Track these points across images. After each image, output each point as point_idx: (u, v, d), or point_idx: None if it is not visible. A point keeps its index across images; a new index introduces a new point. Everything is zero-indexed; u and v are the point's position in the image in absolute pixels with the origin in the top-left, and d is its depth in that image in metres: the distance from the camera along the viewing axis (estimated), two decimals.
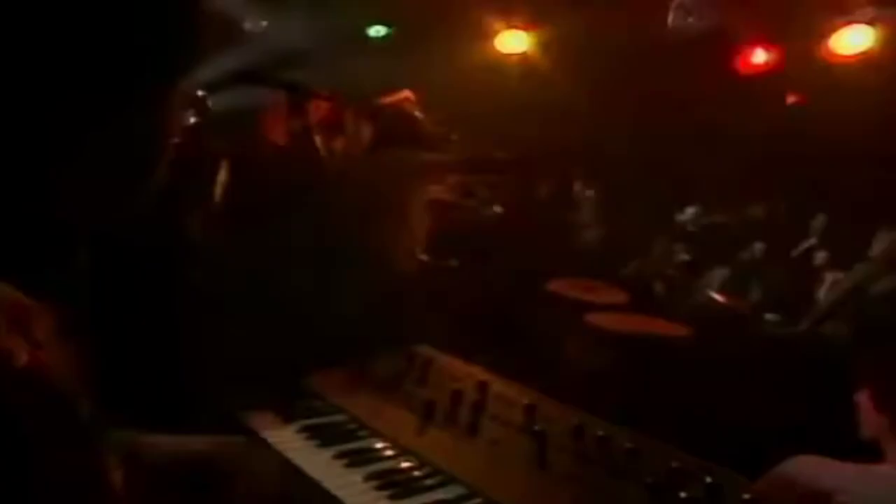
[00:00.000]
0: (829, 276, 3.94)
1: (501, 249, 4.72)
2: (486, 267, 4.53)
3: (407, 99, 5.21)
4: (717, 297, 3.79)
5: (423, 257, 4.60)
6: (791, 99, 6.67)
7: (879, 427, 1.93)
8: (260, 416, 1.66)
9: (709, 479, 1.30)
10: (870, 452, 1.95)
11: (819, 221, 4.81)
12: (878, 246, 3.62)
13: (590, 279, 4.44)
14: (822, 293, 3.85)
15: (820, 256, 4.55)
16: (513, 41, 6.60)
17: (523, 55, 6.70)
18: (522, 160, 4.97)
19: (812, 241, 4.76)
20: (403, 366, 1.87)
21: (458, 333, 4.19)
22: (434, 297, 4.33)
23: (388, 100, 5.19)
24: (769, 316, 3.90)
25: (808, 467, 1.82)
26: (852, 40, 5.54)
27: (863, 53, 5.63)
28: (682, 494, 1.27)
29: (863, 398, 2.00)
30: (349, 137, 4.21)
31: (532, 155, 5.33)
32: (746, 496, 1.26)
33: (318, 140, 2.16)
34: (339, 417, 1.67)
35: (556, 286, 4.16)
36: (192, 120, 2.80)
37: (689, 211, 5.02)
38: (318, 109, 2.59)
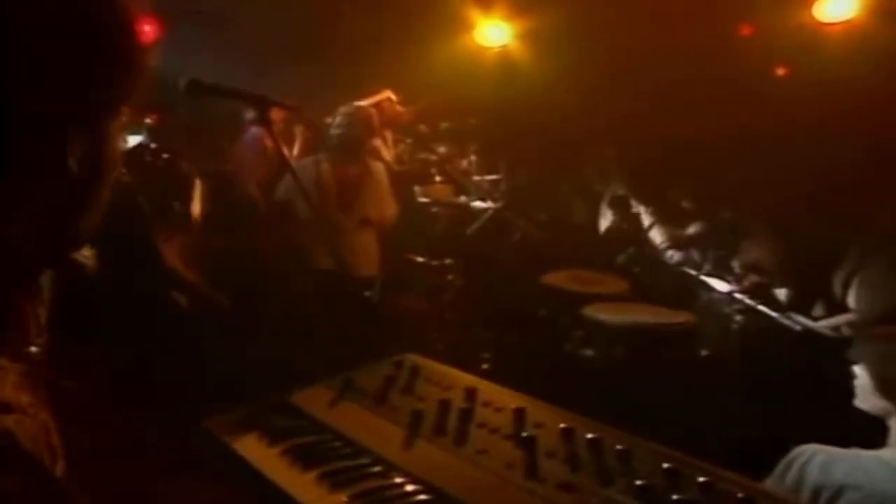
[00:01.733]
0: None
1: (497, 245, 4.69)
2: (480, 264, 4.50)
3: (388, 99, 5.20)
4: (717, 282, 3.73)
5: (418, 258, 4.59)
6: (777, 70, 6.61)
7: (880, 408, 1.90)
8: (244, 438, 1.62)
9: (701, 479, 1.26)
10: (871, 439, 1.92)
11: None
12: None
13: (587, 269, 4.40)
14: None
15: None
16: (492, 33, 6.51)
17: (504, 48, 6.62)
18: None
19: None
20: (389, 376, 1.83)
21: (455, 334, 4.18)
22: (429, 296, 4.31)
23: (370, 100, 5.18)
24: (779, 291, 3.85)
25: (816, 460, 1.78)
26: (836, 8, 5.47)
27: (847, 22, 5.57)
28: (675, 496, 1.23)
29: (862, 376, 1.97)
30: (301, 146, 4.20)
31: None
32: (741, 495, 1.21)
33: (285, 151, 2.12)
34: (324, 436, 1.63)
35: (551, 279, 4.12)
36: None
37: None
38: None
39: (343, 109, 4.20)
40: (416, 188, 5.38)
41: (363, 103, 5.05)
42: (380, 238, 4.25)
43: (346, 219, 4.16)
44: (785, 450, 1.90)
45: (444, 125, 5.37)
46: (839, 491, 1.70)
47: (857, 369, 1.99)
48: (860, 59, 5.36)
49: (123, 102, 0.74)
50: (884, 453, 1.83)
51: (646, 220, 4.93)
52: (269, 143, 4.19)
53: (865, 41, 5.46)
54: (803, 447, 1.84)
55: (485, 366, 3.79)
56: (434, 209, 5.10)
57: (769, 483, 1.84)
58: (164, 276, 2.18)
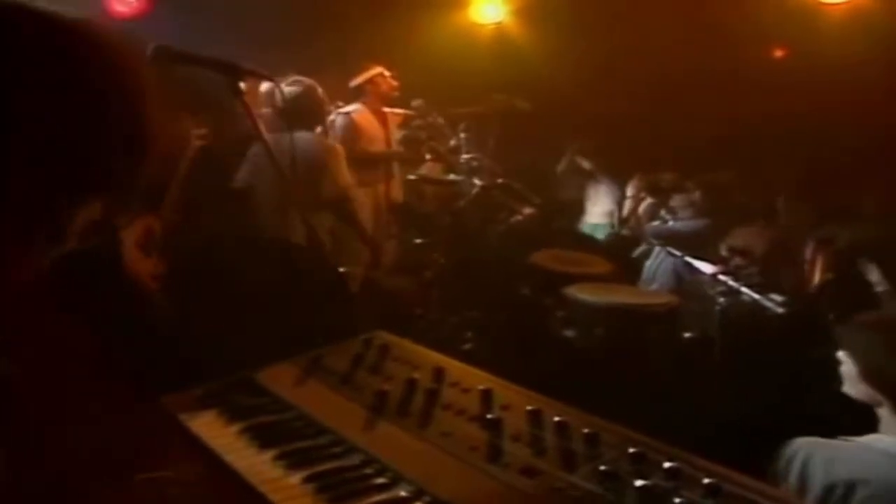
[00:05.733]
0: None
1: (479, 223, 4.63)
2: (466, 242, 4.44)
3: (380, 74, 5.12)
4: (701, 264, 3.68)
5: (403, 236, 4.54)
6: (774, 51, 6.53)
7: (867, 395, 1.87)
8: (201, 416, 1.57)
9: (668, 464, 1.22)
10: (858, 421, 1.88)
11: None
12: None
13: (573, 250, 4.36)
14: None
15: None
16: (487, 10, 6.41)
17: (499, 25, 6.52)
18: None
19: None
20: (357, 355, 1.78)
21: (438, 312, 4.13)
22: (413, 274, 4.27)
23: (363, 77, 5.11)
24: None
25: (817, 458, 1.73)
26: None
27: (847, 1, 5.48)
28: (639, 482, 1.19)
29: (846, 364, 1.93)
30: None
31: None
32: (706, 480, 1.17)
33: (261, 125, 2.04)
34: (285, 415, 1.59)
35: (537, 258, 4.07)
36: None
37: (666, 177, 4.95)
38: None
39: (289, 83, 4.03)
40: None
41: (357, 80, 4.99)
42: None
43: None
44: (767, 432, 1.87)
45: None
46: (850, 488, 1.67)
47: (843, 356, 1.95)
48: (860, 38, 5.28)
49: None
50: (880, 443, 1.79)
51: (631, 202, 4.89)
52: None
53: (866, 20, 5.38)
54: (794, 444, 1.80)
55: (467, 345, 3.76)
56: (422, 187, 5.05)
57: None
58: (115, 268, 2.12)
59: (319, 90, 4.11)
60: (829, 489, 1.68)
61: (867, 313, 1.99)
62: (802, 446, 1.78)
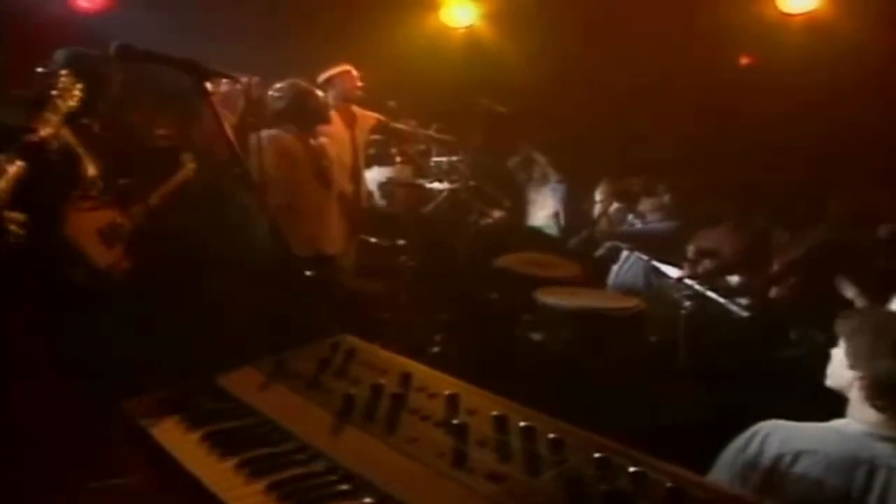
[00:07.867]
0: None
1: (448, 226, 4.62)
2: (435, 245, 4.44)
3: (347, 72, 5.06)
4: (668, 268, 3.73)
5: (372, 239, 4.51)
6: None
7: (846, 380, 1.93)
8: (162, 422, 1.54)
9: (632, 468, 1.22)
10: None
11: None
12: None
13: (541, 253, 4.37)
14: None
15: None
16: (459, 13, 6.42)
17: (469, 29, 6.53)
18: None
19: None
20: (323, 359, 1.76)
21: (407, 315, 4.13)
22: (381, 277, 4.25)
23: (328, 74, 5.04)
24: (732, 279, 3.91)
25: (778, 433, 1.85)
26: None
27: (808, 13, 5.61)
28: (602, 486, 1.19)
29: (837, 353, 1.99)
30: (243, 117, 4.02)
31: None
32: (669, 484, 1.18)
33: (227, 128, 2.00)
34: (249, 420, 1.56)
35: (504, 262, 4.07)
36: None
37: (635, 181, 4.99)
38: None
39: (282, 84, 4.06)
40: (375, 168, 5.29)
41: (323, 76, 4.91)
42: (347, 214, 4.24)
43: (328, 194, 4.08)
44: (731, 434, 1.92)
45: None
46: (796, 457, 1.79)
47: (834, 350, 2.02)
48: (822, 49, 5.41)
49: None
50: (838, 423, 1.91)
51: (600, 206, 4.93)
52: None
53: (824, 31, 5.51)
54: (764, 423, 1.89)
55: (435, 348, 3.75)
56: (392, 189, 5.02)
57: (727, 454, 1.87)
58: (56, 244, 2.07)
59: (312, 90, 4.07)
60: (778, 458, 1.80)
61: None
62: (767, 425, 1.89)
